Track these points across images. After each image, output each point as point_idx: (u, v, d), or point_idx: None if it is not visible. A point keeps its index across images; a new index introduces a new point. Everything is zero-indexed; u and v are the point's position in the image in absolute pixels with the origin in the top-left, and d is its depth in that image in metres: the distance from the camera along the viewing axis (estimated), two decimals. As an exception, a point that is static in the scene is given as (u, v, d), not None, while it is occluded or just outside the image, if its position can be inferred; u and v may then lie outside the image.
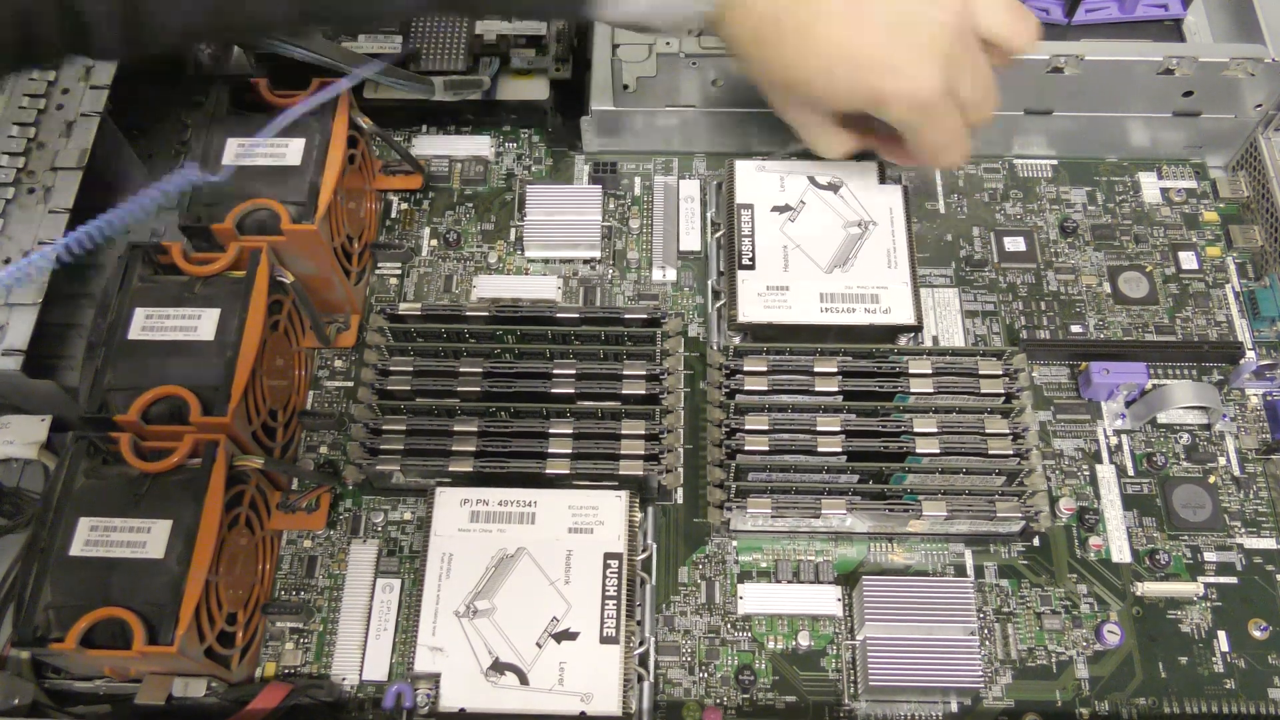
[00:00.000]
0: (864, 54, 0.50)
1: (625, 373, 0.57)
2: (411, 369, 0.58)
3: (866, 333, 0.60)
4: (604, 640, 0.52)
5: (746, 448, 0.56)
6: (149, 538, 0.48)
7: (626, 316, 0.59)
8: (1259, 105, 0.67)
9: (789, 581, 0.58)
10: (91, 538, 0.48)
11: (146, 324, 0.53)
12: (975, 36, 0.52)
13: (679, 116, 0.68)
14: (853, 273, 0.60)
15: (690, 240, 0.67)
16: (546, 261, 0.67)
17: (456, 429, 0.56)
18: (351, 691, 0.55)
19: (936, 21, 0.50)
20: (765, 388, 0.58)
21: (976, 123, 0.54)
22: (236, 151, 0.58)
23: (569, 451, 0.56)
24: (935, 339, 0.65)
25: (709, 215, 0.68)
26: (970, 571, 0.58)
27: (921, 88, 0.50)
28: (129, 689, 0.53)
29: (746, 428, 0.56)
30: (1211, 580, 0.58)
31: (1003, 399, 0.58)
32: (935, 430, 0.56)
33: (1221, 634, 0.56)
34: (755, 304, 0.60)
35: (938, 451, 0.56)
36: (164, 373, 0.52)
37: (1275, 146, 0.68)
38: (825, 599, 0.56)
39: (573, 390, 0.57)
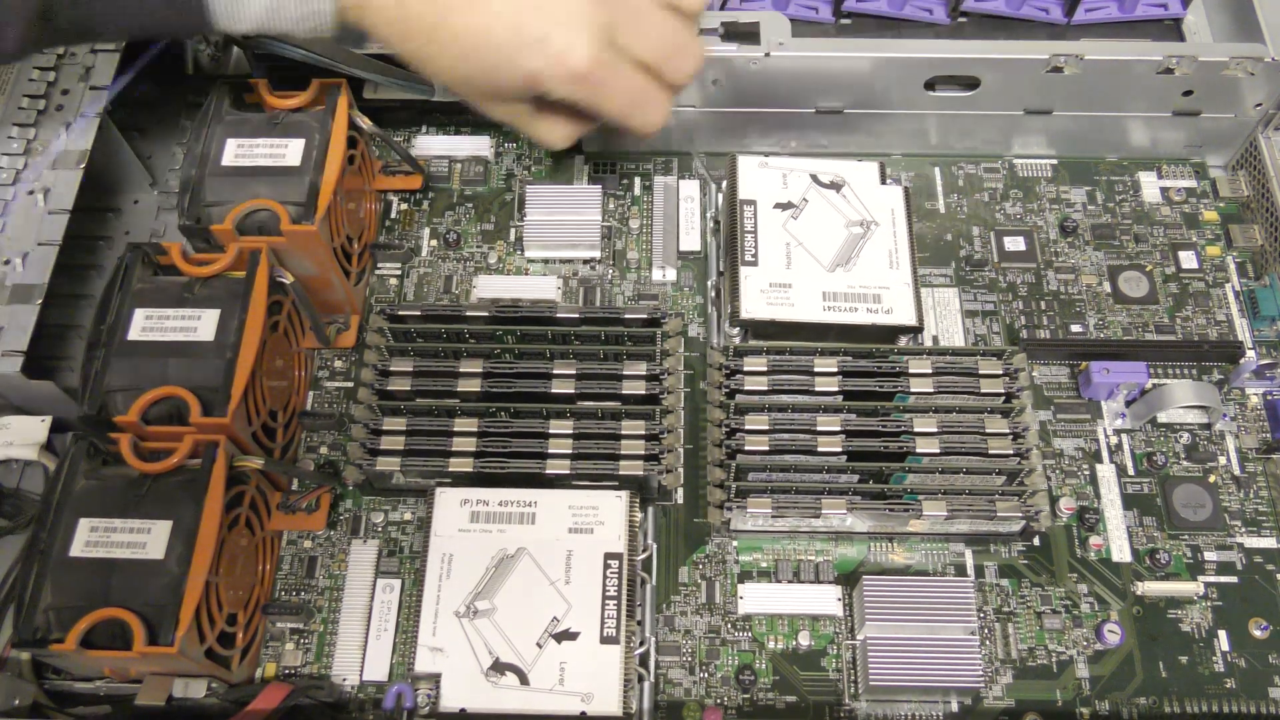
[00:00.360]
0: (499, 36, 0.48)
1: (625, 373, 0.57)
2: (411, 369, 0.58)
3: (866, 332, 0.60)
4: (604, 640, 0.52)
5: (746, 448, 0.56)
6: (149, 538, 0.48)
7: (626, 316, 0.59)
8: (1259, 104, 0.67)
9: (789, 581, 0.58)
10: (92, 538, 0.48)
11: (146, 325, 0.53)
12: None
13: (679, 116, 0.68)
14: (855, 272, 0.60)
15: (690, 240, 0.67)
16: (546, 261, 0.67)
17: (456, 429, 0.56)
18: (352, 692, 0.55)
19: None
20: (765, 387, 0.58)
21: (676, 80, 0.52)
22: (235, 152, 0.58)
23: (569, 451, 0.56)
24: (935, 339, 0.65)
25: (709, 215, 0.68)
26: (970, 571, 0.58)
27: (571, 57, 0.48)
28: (129, 690, 0.53)
29: (746, 428, 0.56)
30: (1212, 580, 0.58)
31: (1003, 399, 0.58)
32: (935, 430, 0.56)
33: (1222, 633, 0.56)
34: (758, 300, 0.59)
35: (938, 451, 0.56)
36: (164, 373, 0.52)
37: (1275, 146, 0.68)
38: (825, 599, 0.56)
39: (573, 390, 0.57)
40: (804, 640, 0.56)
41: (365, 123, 0.62)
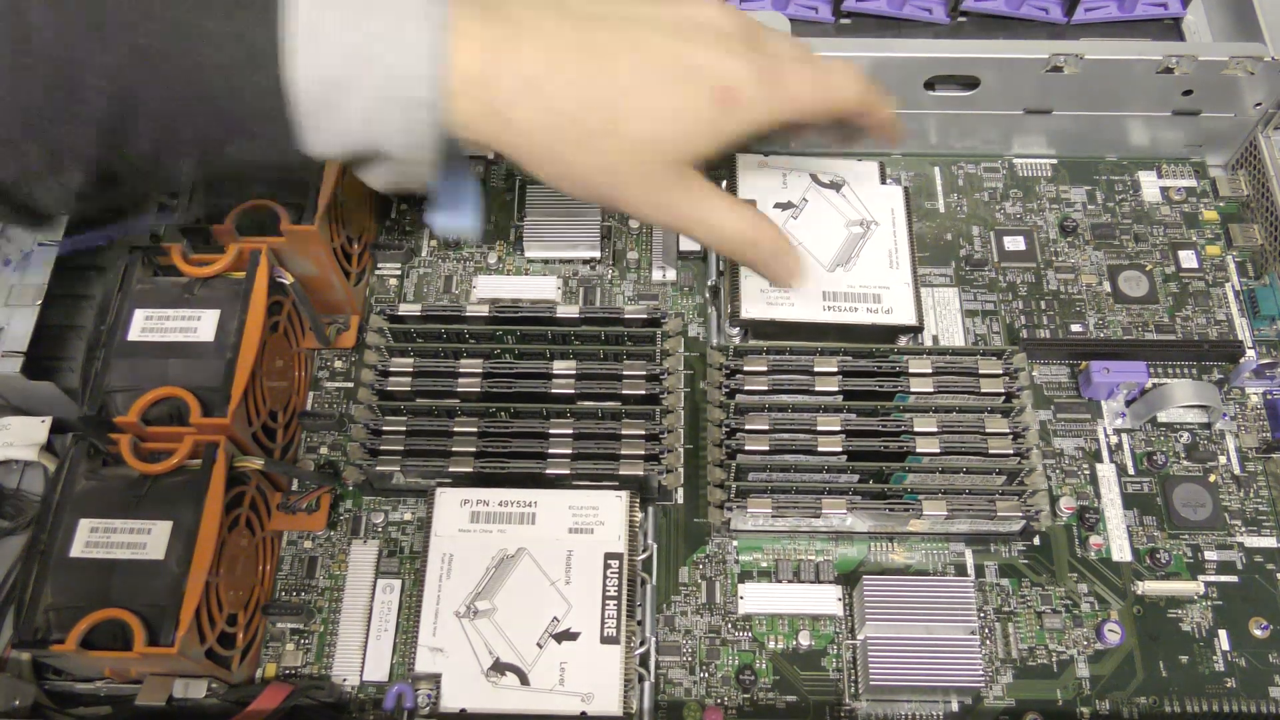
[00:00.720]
0: (685, 84, 0.43)
1: (625, 373, 0.57)
2: (411, 369, 0.58)
3: (866, 332, 0.60)
4: (605, 640, 0.52)
5: (747, 447, 0.56)
6: (149, 539, 0.48)
7: (626, 316, 0.59)
8: (1258, 104, 0.67)
9: (789, 581, 0.58)
10: (92, 539, 0.48)
11: (146, 325, 0.53)
12: None
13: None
14: (855, 272, 0.60)
15: (690, 240, 0.67)
16: (546, 261, 0.67)
17: (456, 429, 0.56)
18: (352, 692, 0.55)
19: (708, 15, 0.45)
20: (765, 388, 0.58)
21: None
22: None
23: (569, 452, 0.56)
24: (935, 338, 0.65)
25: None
26: (971, 571, 0.58)
27: (742, 75, 0.45)
28: (130, 690, 0.53)
29: (746, 428, 0.56)
30: (1212, 579, 0.58)
31: (1003, 398, 0.58)
32: (935, 430, 0.56)
33: (1222, 633, 0.56)
34: (758, 301, 0.59)
35: (938, 451, 0.56)
36: (164, 374, 0.52)
37: (1275, 145, 0.68)
38: (826, 599, 0.56)
39: (573, 390, 0.57)
40: (804, 640, 0.56)
41: (365, 123, 0.62)
